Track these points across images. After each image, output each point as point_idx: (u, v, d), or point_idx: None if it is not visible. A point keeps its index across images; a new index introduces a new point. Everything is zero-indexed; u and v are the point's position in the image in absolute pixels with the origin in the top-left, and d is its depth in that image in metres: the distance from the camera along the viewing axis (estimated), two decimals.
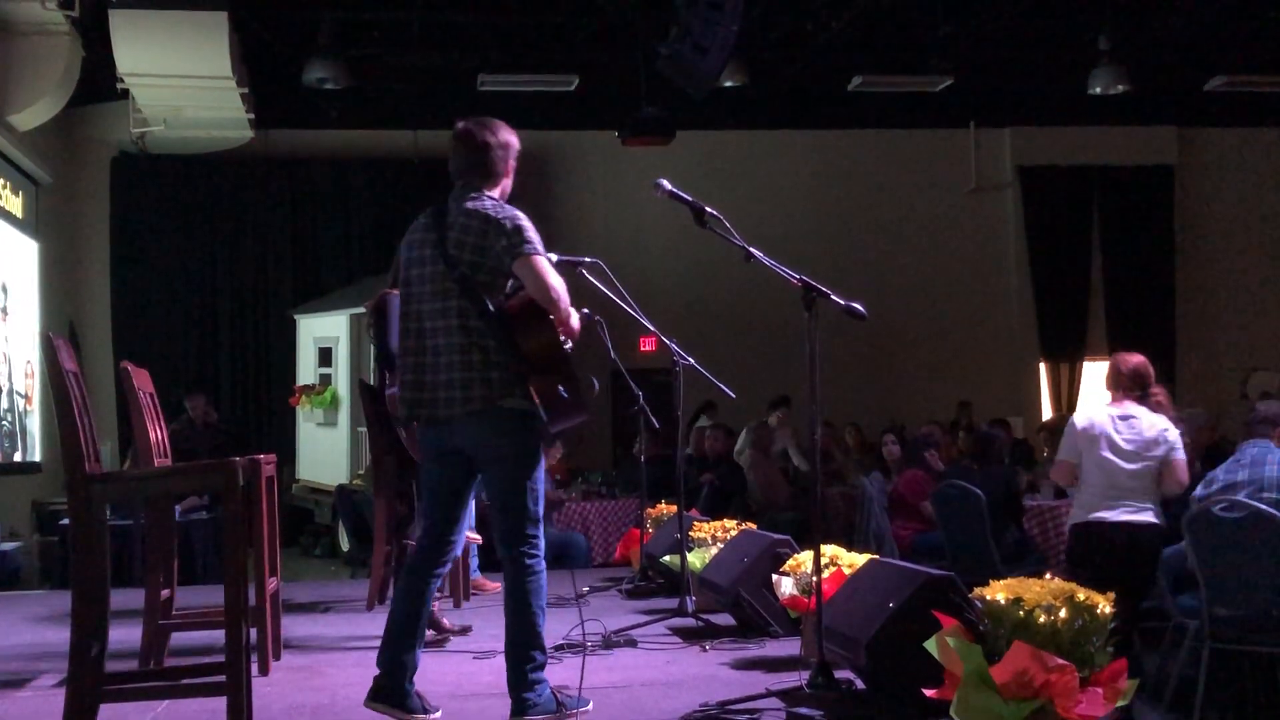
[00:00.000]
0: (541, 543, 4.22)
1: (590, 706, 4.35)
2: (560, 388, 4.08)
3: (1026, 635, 3.49)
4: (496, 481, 4.24)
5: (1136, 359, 6.37)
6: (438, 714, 4.29)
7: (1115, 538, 6.03)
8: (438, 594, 6.20)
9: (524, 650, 4.14)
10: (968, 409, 14.39)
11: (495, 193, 4.30)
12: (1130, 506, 6.06)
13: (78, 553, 3.76)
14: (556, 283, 4.09)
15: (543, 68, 13.23)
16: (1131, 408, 6.21)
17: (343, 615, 7.15)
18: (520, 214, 4.19)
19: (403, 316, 4.31)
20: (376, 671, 4.20)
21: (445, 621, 6.11)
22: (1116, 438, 6.14)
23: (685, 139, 13.52)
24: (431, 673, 5.13)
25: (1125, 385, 6.28)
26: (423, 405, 4.18)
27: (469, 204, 4.20)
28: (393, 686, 4.17)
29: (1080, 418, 6.40)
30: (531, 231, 4.13)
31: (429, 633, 5.92)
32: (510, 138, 4.38)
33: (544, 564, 4.22)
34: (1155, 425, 6.13)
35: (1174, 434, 6.12)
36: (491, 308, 4.10)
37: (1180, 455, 6.07)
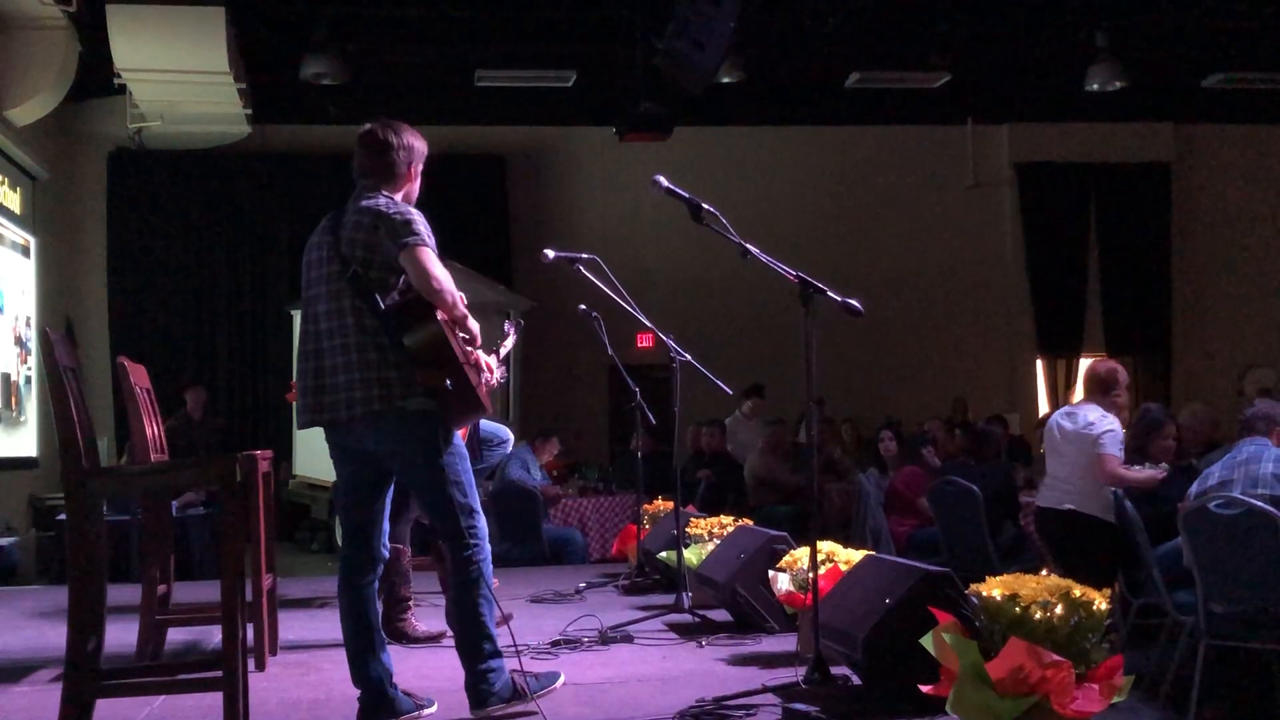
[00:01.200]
0: (481, 530, 4.14)
1: (560, 681, 4.35)
2: (447, 381, 4.02)
3: (1023, 631, 3.49)
4: (413, 484, 4.22)
5: (1104, 366, 6.90)
6: (433, 708, 4.29)
7: (1044, 521, 6.79)
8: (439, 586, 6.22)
9: (472, 645, 4.11)
10: (963, 405, 14.40)
11: (397, 195, 4.26)
12: (1056, 494, 6.65)
13: (74, 548, 3.75)
14: (440, 274, 4.04)
15: (540, 63, 13.22)
16: (1082, 406, 6.77)
17: (339, 611, 7.14)
18: (415, 211, 4.14)
19: (302, 319, 4.28)
20: (357, 692, 4.18)
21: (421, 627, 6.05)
22: (1055, 433, 6.76)
23: (683, 135, 13.51)
24: (427, 668, 5.14)
25: (1086, 388, 6.93)
26: (323, 410, 4.11)
27: (364, 203, 4.18)
28: (377, 700, 4.15)
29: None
30: (421, 225, 4.08)
31: (426, 628, 5.92)
32: (415, 141, 4.34)
33: (486, 551, 4.15)
34: (1087, 420, 6.58)
35: (1101, 429, 6.48)
36: (384, 305, 4.07)
37: (1104, 450, 6.41)
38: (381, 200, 4.17)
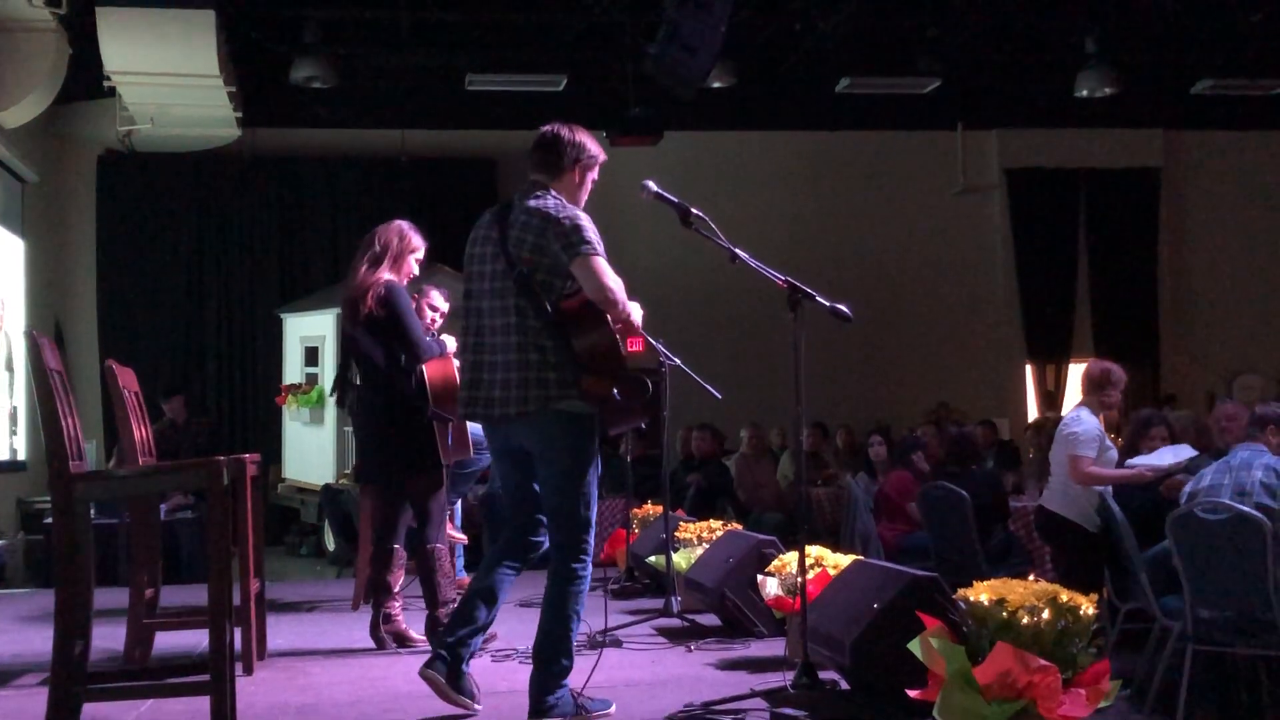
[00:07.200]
0: (591, 548, 4.23)
1: (613, 709, 4.36)
2: (615, 390, 4.03)
3: (1010, 636, 3.50)
4: (549, 484, 4.24)
5: (1097, 366, 6.81)
6: (479, 709, 4.35)
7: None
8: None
9: (552, 653, 4.16)
10: (945, 409, 14.40)
11: (564, 195, 4.26)
12: (1047, 492, 6.70)
13: (62, 551, 3.75)
14: (614, 283, 4.08)
15: (531, 67, 13.22)
16: (1077, 408, 6.74)
17: (328, 615, 7.15)
18: (582, 214, 4.17)
19: (463, 314, 4.32)
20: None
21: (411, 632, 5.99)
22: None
23: (673, 139, 13.51)
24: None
25: (1081, 388, 6.82)
26: (479, 404, 4.17)
27: (531, 202, 4.19)
28: (452, 664, 4.24)
29: None
30: (591, 231, 4.12)
31: (411, 632, 5.89)
32: (588, 143, 4.35)
33: (590, 569, 4.23)
34: (1065, 421, 6.67)
35: (1069, 430, 6.44)
36: (549, 308, 4.08)
37: (1075, 451, 6.33)
38: (550, 201, 4.19)
